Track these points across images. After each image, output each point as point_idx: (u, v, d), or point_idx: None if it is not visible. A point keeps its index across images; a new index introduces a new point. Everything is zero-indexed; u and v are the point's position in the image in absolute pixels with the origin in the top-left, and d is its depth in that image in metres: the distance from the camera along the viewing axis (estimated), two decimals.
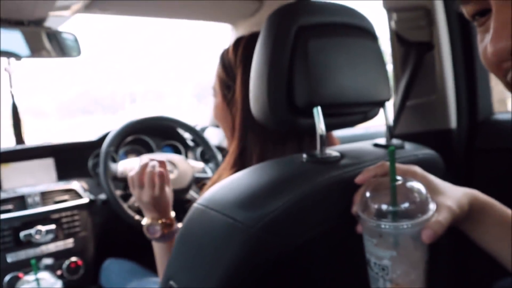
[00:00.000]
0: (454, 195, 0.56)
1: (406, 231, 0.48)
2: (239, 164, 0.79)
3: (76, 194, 1.60)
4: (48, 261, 1.40)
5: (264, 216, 0.54)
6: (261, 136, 0.78)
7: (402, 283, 0.49)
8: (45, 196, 1.53)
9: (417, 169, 0.59)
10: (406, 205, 0.48)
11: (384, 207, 0.48)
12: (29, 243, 1.43)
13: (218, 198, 0.60)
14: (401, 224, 0.47)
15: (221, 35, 1.83)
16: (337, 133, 0.95)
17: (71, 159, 1.74)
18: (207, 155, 1.75)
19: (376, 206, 0.49)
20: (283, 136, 0.78)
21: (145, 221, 0.99)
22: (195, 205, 0.63)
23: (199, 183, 1.63)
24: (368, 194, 0.51)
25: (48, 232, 1.45)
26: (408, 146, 0.79)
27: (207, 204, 0.61)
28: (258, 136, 0.78)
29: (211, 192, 0.62)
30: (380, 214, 0.48)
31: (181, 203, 1.54)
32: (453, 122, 0.99)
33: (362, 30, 0.75)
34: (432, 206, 0.50)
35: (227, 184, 0.62)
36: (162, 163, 1.01)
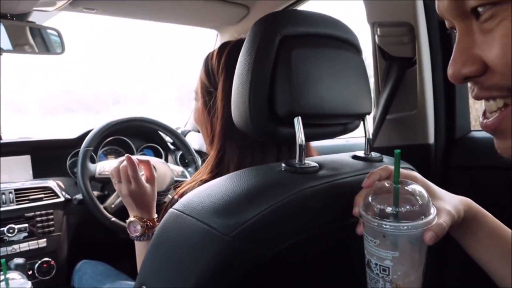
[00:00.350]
0: (452, 201, 0.58)
1: (409, 232, 0.48)
2: (217, 170, 0.79)
3: (52, 193, 1.57)
4: (19, 260, 1.37)
5: (240, 224, 0.54)
6: (240, 144, 0.78)
7: (402, 284, 0.50)
8: (20, 194, 1.50)
9: (417, 175, 0.61)
10: (408, 207, 0.49)
11: (387, 208, 0.49)
12: (1, 241, 1.39)
13: (195, 204, 0.59)
14: (404, 225, 0.48)
15: (206, 40, 1.84)
16: (317, 143, 0.95)
17: (49, 157, 1.71)
18: (187, 159, 1.74)
19: (379, 207, 0.50)
20: (261, 144, 0.78)
21: (128, 219, 1.04)
22: (171, 209, 0.63)
23: (178, 186, 1.62)
24: (370, 196, 0.52)
25: (20, 230, 1.43)
26: (386, 159, 0.79)
27: (184, 209, 0.60)
28: (236, 144, 0.78)
29: (188, 198, 0.62)
30: (383, 215, 0.49)
31: (160, 205, 1.53)
32: (431, 138, 1.01)
33: (346, 42, 0.76)
34: (433, 210, 0.51)
35: (204, 190, 0.61)
36: (146, 163, 1.09)
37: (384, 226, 0.48)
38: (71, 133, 1.81)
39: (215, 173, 0.79)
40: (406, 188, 0.51)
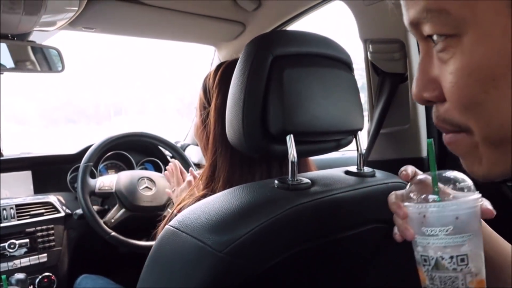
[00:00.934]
0: None
1: (478, 205, 0.46)
2: (211, 184, 0.81)
3: (53, 208, 1.59)
4: (20, 276, 1.38)
5: (233, 240, 0.55)
6: (229, 160, 0.80)
7: (476, 270, 0.46)
8: (21, 209, 1.52)
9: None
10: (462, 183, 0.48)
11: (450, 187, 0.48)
12: (2, 256, 1.40)
13: (189, 221, 0.61)
14: (476, 197, 0.46)
15: (205, 52, 1.86)
16: (313, 157, 0.97)
17: (50, 172, 1.73)
18: None
19: (423, 196, 0.48)
20: (251, 161, 0.80)
21: None
22: (167, 226, 0.64)
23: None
24: (413, 193, 0.51)
25: (21, 245, 1.44)
26: (379, 174, 0.81)
27: (179, 226, 0.62)
28: (225, 159, 0.80)
29: (184, 214, 0.63)
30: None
31: (158, 220, 1.55)
32: (424, 151, 1.02)
33: (338, 61, 0.78)
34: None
35: (199, 207, 0.63)
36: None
37: (459, 203, 0.45)
38: (72, 145, 1.83)
39: (209, 188, 0.81)
40: (443, 174, 0.50)
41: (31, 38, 1.32)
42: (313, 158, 0.95)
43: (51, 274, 1.50)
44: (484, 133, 0.36)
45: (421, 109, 1.02)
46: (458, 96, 0.35)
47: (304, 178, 0.69)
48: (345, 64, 0.79)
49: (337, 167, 0.81)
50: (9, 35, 1.21)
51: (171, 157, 1.97)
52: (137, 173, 1.61)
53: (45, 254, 1.50)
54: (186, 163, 1.71)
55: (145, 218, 1.52)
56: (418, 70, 0.40)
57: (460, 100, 0.35)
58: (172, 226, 0.63)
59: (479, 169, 0.39)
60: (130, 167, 1.87)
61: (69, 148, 1.86)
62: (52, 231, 1.54)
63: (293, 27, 1.43)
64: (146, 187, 1.55)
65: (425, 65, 0.39)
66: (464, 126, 0.37)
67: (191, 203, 0.81)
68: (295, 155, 0.66)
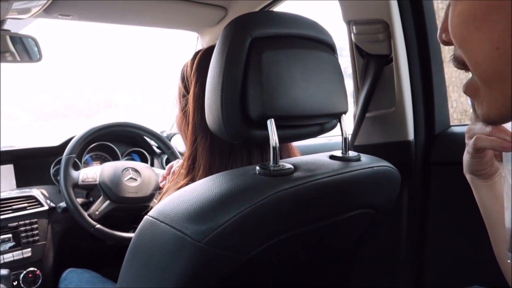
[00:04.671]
0: None
1: None
2: (192, 174, 0.79)
3: (36, 202, 1.55)
4: (3, 272, 1.35)
5: (212, 229, 0.54)
6: (209, 148, 0.78)
7: None
8: (2, 204, 1.48)
9: None
10: None
11: None
12: None
13: (168, 211, 0.59)
14: None
15: (190, 42, 1.83)
16: (299, 143, 0.95)
17: (32, 165, 1.70)
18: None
19: None
20: (232, 148, 0.78)
21: None
22: (146, 216, 0.63)
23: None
24: None
25: (4, 241, 1.41)
26: (364, 158, 0.79)
27: (158, 216, 0.60)
28: (206, 147, 0.78)
29: (162, 204, 0.61)
30: None
31: (144, 210, 1.53)
32: (410, 134, 1.01)
33: (320, 42, 0.75)
34: None
35: (178, 196, 0.61)
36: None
37: None
38: (62, 139, 1.78)
39: (190, 177, 0.79)
40: None
41: (5, 27, 1.28)
42: (298, 145, 0.93)
43: (36, 269, 1.48)
44: (477, 72, 0.39)
45: (407, 92, 1.00)
46: (452, 34, 0.39)
47: (287, 163, 0.67)
48: (328, 46, 0.77)
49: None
50: None
51: (157, 147, 1.94)
52: (121, 164, 1.58)
53: (29, 249, 1.48)
54: (171, 153, 1.68)
55: (130, 209, 1.49)
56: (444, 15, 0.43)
57: (454, 37, 0.39)
58: (151, 216, 0.61)
59: (481, 111, 0.41)
60: (115, 158, 1.84)
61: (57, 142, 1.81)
62: (36, 225, 1.50)
63: (277, 10, 1.40)
64: (131, 178, 1.52)
65: (447, 11, 0.42)
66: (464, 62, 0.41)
67: (172, 192, 0.79)
68: (277, 140, 0.64)
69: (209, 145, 0.78)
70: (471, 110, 0.60)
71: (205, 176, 0.69)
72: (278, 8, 1.40)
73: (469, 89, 0.43)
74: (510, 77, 0.36)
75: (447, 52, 0.46)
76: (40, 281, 1.48)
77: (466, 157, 0.65)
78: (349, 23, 1.03)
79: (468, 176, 0.67)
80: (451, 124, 1.08)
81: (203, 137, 0.78)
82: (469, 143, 0.62)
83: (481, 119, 0.42)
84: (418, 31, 0.99)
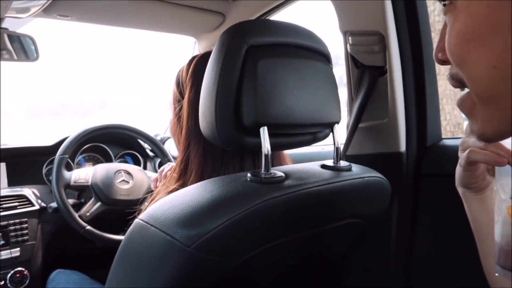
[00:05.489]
0: None
1: None
2: (183, 179, 0.79)
3: (27, 201, 1.55)
4: None
5: (201, 235, 0.54)
6: (202, 153, 0.78)
7: None
8: None
9: None
10: None
11: None
12: None
13: (158, 215, 0.59)
14: None
15: (187, 46, 1.83)
16: (292, 151, 0.95)
17: (25, 164, 1.69)
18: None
19: None
20: (224, 154, 0.78)
21: None
22: (136, 219, 0.63)
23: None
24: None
25: None
26: (355, 168, 0.80)
27: (148, 219, 0.60)
28: (198, 153, 0.79)
29: (153, 208, 0.61)
30: None
31: (135, 213, 1.52)
32: (402, 146, 1.02)
33: (315, 52, 0.76)
34: None
35: (169, 201, 0.61)
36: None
37: None
38: (56, 138, 1.78)
39: (181, 181, 0.79)
40: None
41: (3, 25, 1.28)
42: (290, 153, 0.94)
43: (23, 269, 1.46)
44: (474, 89, 0.40)
45: (400, 103, 1.01)
46: (450, 53, 0.40)
47: (278, 171, 0.67)
48: (323, 56, 0.78)
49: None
50: None
51: (151, 150, 1.94)
52: (113, 166, 1.57)
53: (18, 249, 1.46)
54: (165, 156, 1.68)
55: (121, 212, 1.49)
56: (440, 34, 0.44)
57: (452, 56, 0.40)
58: (141, 220, 0.61)
59: (476, 128, 0.42)
60: (108, 160, 1.83)
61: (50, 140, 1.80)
62: (26, 225, 1.49)
63: (274, 18, 1.41)
64: (123, 180, 1.52)
65: (443, 30, 0.43)
66: (463, 81, 0.41)
67: (163, 196, 0.79)
68: (269, 148, 0.64)
69: (202, 150, 0.78)
70: (465, 123, 0.61)
71: (197, 181, 0.69)
72: (276, 17, 1.42)
73: (464, 105, 0.43)
74: (507, 95, 0.37)
75: (442, 66, 0.47)
76: (27, 281, 1.47)
77: (458, 169, 0.65)
78: (345, 33, 1.03)
79: (459, 189, 0.68)
80: (444, 136, 1.10)
81: (196, 142, 0.79)
82: (462, 156, 0.62)
83: (475, 135, 0.43)
84: (413, 44, 1.00)
